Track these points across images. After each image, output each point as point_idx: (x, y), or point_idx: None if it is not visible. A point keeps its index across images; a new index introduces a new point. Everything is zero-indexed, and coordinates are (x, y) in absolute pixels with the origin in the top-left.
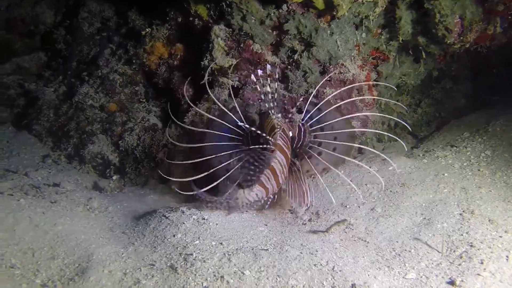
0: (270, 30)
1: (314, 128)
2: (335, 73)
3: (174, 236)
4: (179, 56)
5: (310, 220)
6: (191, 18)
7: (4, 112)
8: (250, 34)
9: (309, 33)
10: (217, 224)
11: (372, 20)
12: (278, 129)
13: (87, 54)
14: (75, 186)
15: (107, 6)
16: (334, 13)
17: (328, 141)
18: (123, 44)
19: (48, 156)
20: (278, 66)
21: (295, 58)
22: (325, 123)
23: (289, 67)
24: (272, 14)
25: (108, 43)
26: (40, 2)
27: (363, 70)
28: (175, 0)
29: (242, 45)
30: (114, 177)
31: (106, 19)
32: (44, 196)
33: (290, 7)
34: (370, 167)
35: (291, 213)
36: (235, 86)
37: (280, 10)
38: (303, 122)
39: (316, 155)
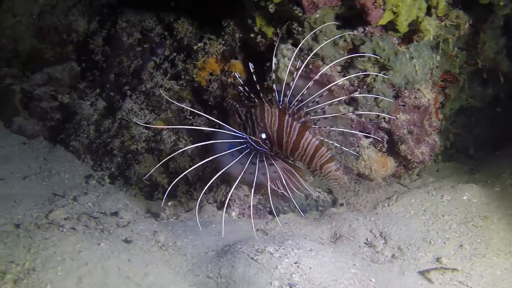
0: (342, 52)
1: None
2: (409, 98)
3: (270, 284)
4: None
5: (393, 256)
6: (252, 35)
7: (36, 125)
8: (320, 55)
9: (387, 57)
10: (310, 268)
11: (451, 43)
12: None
13: (127, 66)
14: (132, 215)
15: (148, 15)
16: (417, 37)
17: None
18: (169, 57)
19: (91, 177)
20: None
21: (368, 81)
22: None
23: (359, 89)
24: (347, 35)
25: (151, 55)
26: (72, 8)
27: (432, 93)
28: (231, 12)
29: (310, 66)
30: (169, 203)
31: (147, 29)
32: (109, 231)
33: (368, 29)
34: (442, 196)
35: (368, 246)
36: None
37: (356, 32)
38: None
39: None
